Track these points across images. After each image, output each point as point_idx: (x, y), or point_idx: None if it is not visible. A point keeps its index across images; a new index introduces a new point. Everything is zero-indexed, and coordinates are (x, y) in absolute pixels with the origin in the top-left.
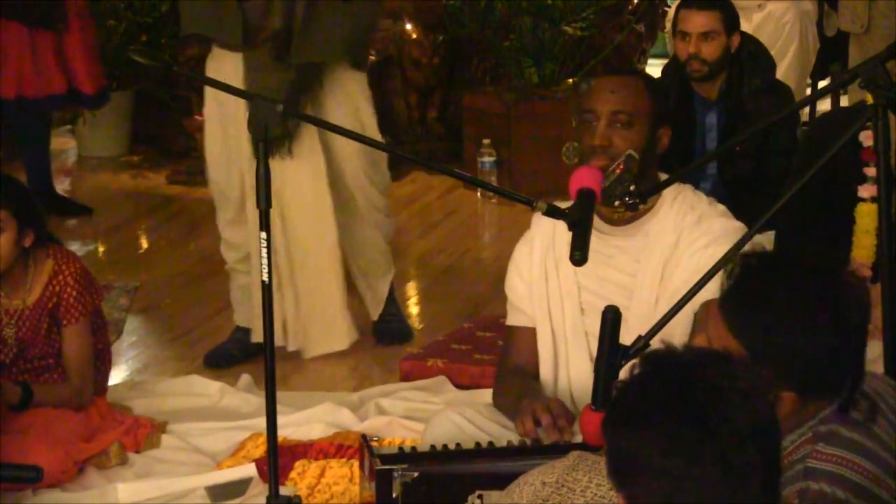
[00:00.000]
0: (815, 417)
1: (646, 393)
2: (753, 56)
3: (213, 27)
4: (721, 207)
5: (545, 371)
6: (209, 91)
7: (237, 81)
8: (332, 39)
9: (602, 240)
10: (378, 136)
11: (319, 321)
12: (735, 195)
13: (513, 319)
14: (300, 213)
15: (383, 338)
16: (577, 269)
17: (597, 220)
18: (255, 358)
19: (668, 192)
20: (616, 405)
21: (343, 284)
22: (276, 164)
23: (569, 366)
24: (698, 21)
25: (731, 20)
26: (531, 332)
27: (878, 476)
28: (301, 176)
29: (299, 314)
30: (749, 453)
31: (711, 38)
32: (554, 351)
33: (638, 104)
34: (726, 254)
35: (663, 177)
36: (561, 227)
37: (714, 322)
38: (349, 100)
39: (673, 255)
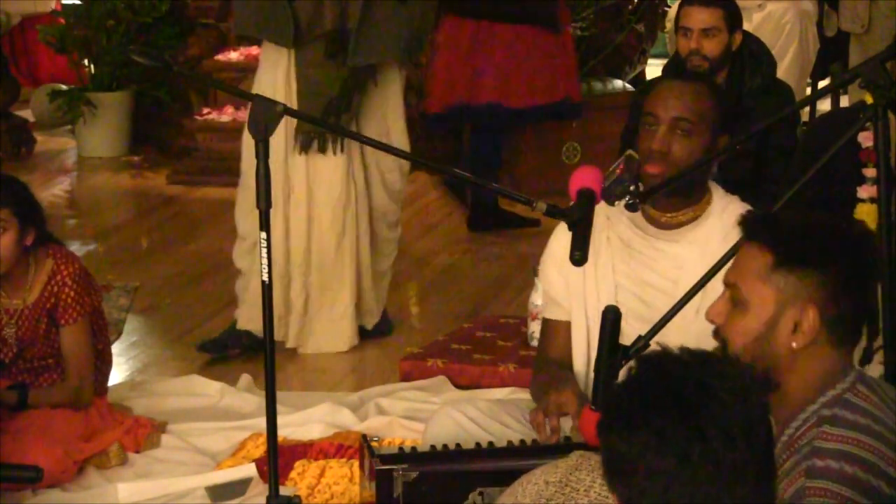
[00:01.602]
0: (824, 394)
1: (637, 393)
2: (754, 55)
3: (264, 28)
4: None
5: (578, 364)
6: (257, 84)
7: (285, 74)
8: (388, 41)
9: (646, 241)
10: (405, 134)
11: (326, 319)
12: (735, 195)
13: (549, 312)
14: (327, 210)
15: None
16: (616, 267)
17: (642, 221)
18: (255, 355)
19: (716, 202)
20: (609, 406)
21: (354, 287)
22: (310, 160)
23: None
24: (700, 17)
25: (733, 18)
26: (568, 326)
27: (885, 453)
28: (335, 173)
29: (306, 310)
30: (740, 452)
31: (713, 35)
32: (587, 345)
33: (702, 112)
34: (727, 251)
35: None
36: (600, 220)
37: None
38: (393, 98)
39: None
